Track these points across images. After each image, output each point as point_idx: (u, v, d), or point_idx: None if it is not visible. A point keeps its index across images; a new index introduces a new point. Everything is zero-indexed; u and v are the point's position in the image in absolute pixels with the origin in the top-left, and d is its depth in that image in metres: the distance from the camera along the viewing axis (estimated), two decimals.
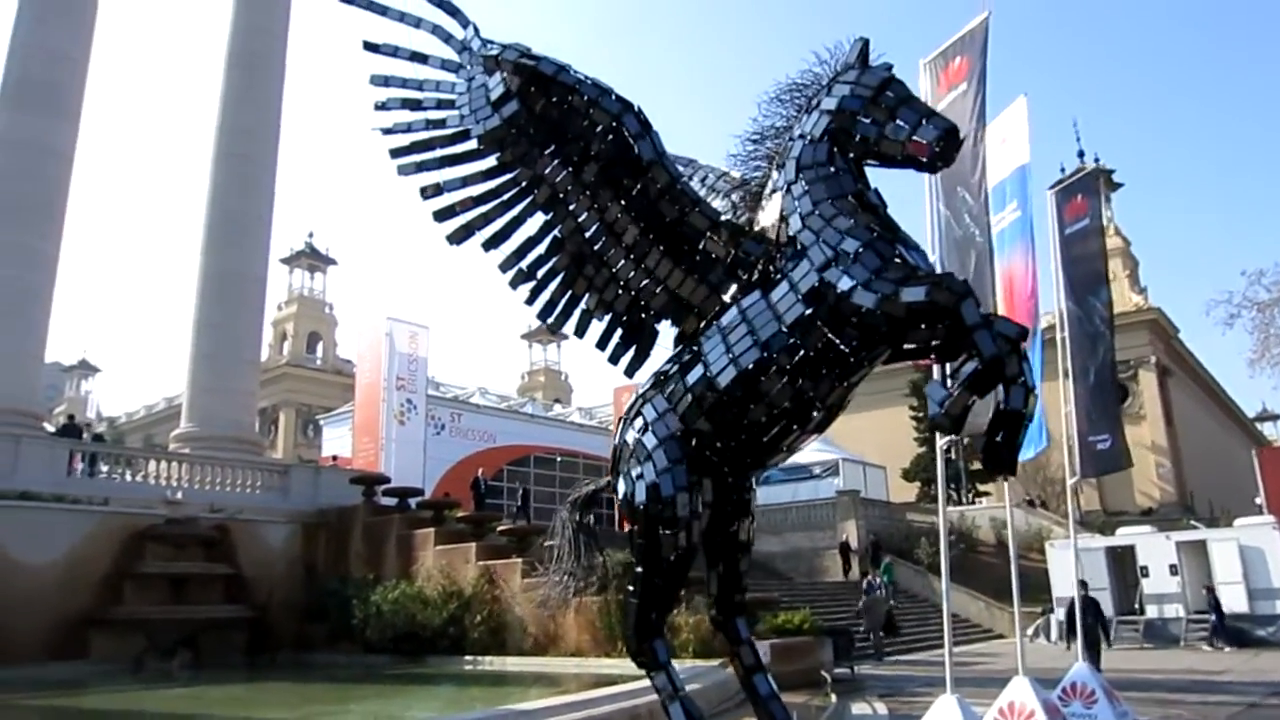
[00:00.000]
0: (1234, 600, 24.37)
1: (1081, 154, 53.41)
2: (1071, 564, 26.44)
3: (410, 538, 20.67)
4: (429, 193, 5.29)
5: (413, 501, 22.76)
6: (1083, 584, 14.18)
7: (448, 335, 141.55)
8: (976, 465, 11.86)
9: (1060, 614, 26.39)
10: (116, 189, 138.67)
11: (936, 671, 18.39)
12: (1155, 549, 26.42)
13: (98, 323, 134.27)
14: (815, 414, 4.74)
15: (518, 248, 5.30)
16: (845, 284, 4.33)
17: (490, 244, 5.28)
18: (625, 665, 15.48)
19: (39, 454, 19.61)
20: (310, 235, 67.71)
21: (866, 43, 4.84)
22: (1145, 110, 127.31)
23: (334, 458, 32.70)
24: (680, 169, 5.42)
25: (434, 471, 31.77)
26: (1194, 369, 59.79)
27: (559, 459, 40.74)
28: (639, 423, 5.01)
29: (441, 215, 5.27)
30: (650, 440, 4.86)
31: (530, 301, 5.32)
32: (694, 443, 4.83)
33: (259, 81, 27.68)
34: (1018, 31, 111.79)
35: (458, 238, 5.25)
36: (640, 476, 4.85)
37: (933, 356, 4.24)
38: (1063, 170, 52.05)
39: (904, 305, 4.13)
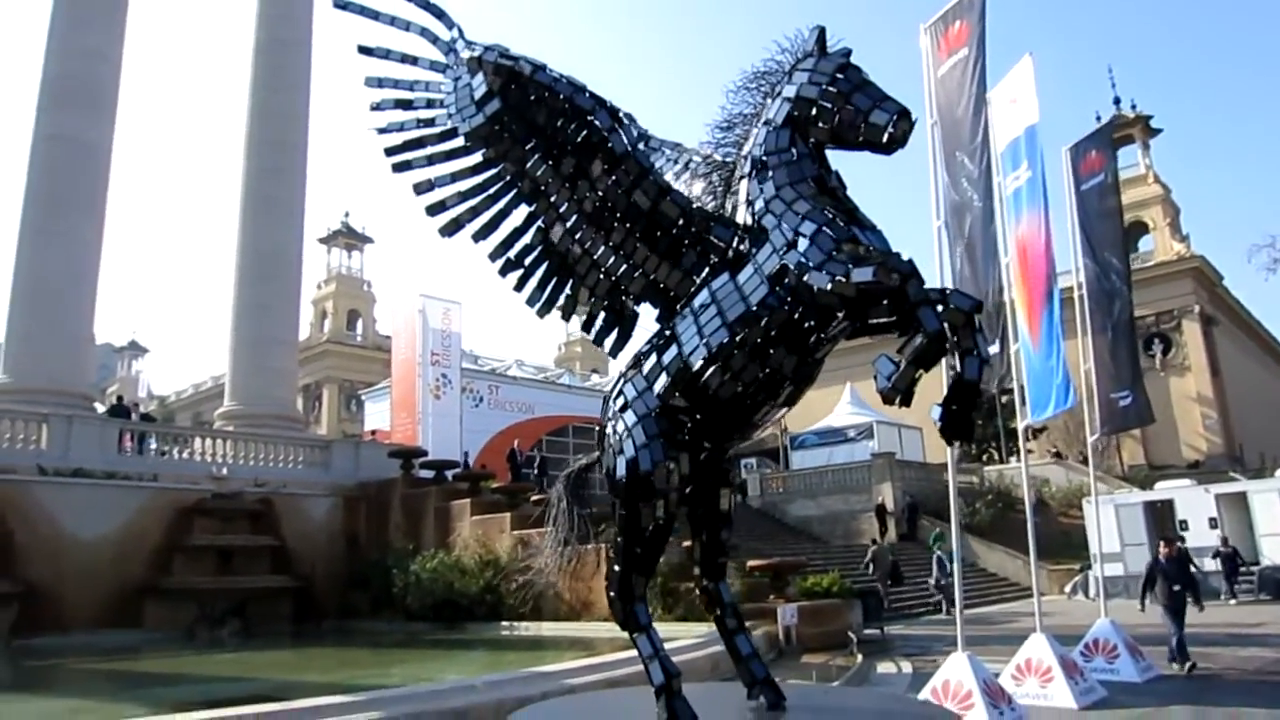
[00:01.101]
0: (1276, 551, 24.08)
1: (1117, 101, 52.06)
2: (1113, 520, 26.49)
3: (447, 509, 21.21)
4: (421, 188, 5.53)
5: (449, 473, 23.26)
6: (1166, 539, 13.83)
7: (484, 308, 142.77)
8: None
9: (1099, 569, 26.34)
10: (161, 176, 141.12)
11: (969, 630, 18.60)
12: (1194, 502, 26.07)
13: (147, 305, 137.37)
14: (785, 388, 4.92)
15: (505, 238, 5.53)
16: (801, 265, 4.50)
17: (479, 235, 5.51)
18: (665, 630, 15.94)
19: (91, 433, 20.34)
20: (346, 214, 68.47)
21: (823, 30, 4.95)
22: (1186, 52, 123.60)
23: (373, 432, 33.39)
24: (668, 153, 5.60)
25: (474, 443, 32.31)
26: (1241, 317, 58.30)
27: (597, 429, 41.08)
28: (620, 401, 5.23)
29: (433, 210, 5.52)
30: (630, 418, 5.09)
31: (519, 288, 5.55)
32: (670, 419, 5.04)
33: (287, 67, 28.15)
34: None
35: (449, 230, 5.51)
36: (620, 452, 5.08)
37: (897, 331, 4.40)
38: (1098, 119, 50.96)
39: (854, 285, 4.27)
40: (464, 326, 32.79)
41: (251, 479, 22.05)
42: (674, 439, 4.99)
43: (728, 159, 5.31)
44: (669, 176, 5.47)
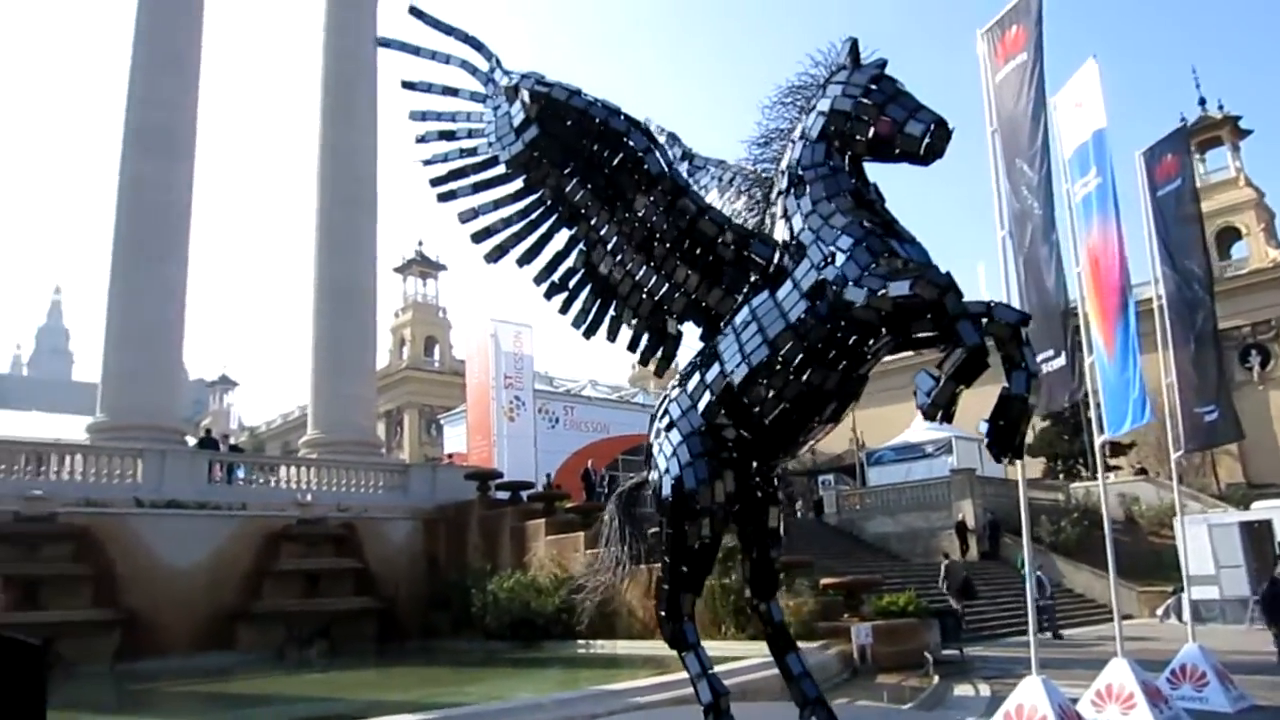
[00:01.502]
0: None
1: (1203, 102, 50.04)
2: (1206, 541, 25.37)
3: (523, 529, 21.54)
4: (465, 216, 5.73)
5: (524, 494, 23.60)
6: None
7: (557, 330, 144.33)
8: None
9: (1194, 593, 25.25)
10: (244, 214, 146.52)
11: (1055, 653, 18.06)
12: None
13: (237, 340, 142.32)
14: (829, 405, 4.95)
15: (548, 262, 5.69)
16: (839, 280, 4.54)
17: (523, 260, 5.69)
18: (730, 647, 15.93)
19: (182, 466, 21.24)
20: (420, 243, 70.08)
21: (855, 42, 4.99)
22: (1275, 50, 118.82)
23: (450, 456, 34.00)
24: (713, 170, 5.72)
25: (550, 464, 32.63)
26: None
27: (645, 447, 41.05)
28: (665, 420, 5.34)
29: (478, 237, 5.71)
30: (675, 436, 5.18)
31: (564, 311, 5.70)
32: (715, 437, 5.12)
33: (354, 102, 29.03)
34: None
35: (494, 256, 5.70)
36: (666, 471, 5.18)
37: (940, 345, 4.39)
38: (1183, 120, 49.22)
39: (890, 300, 4.29)
40: (536, 349, 33.29)
41: (334, 504, 22.69)
42: (719, 457, 5.08)
43: (767, 174, 5.38)
44: (714, 193, 5.57)
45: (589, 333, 5.65)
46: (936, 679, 13.70)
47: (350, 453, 25.57)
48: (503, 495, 23.64)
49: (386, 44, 6.06)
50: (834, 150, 4.96)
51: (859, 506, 35.15)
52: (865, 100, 4.81)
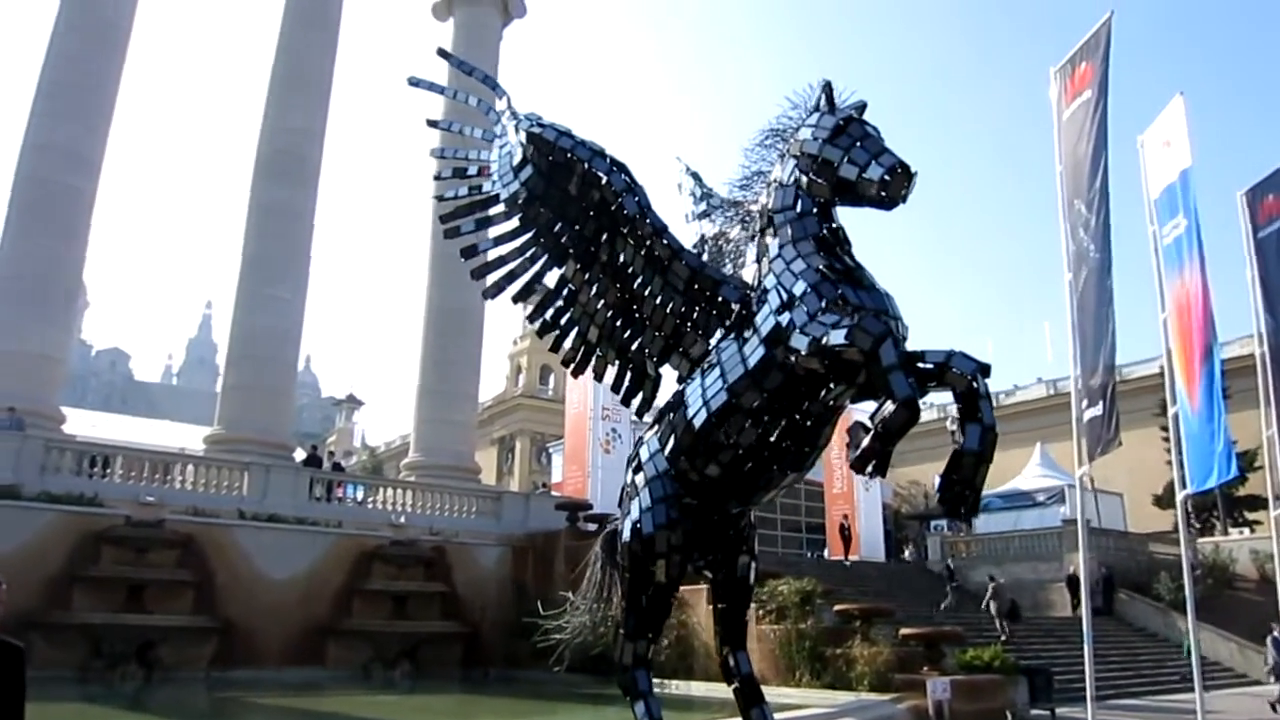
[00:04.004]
0: None
1: None
2: None
3: None
4: (467, 254, 5.85)
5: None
6: None
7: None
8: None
9: None
10: (366, 239, 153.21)
11: (1157, 718, 16.87)
12: None
13: (364, 361, 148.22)
14: (791, 451, 4.81)
15: (540, 300, 5.74)
16: (789, 326, 4.42)
17: (518, 297, 5.76)
18: (806, 695, 15.49)
19: (286, 481, 22.17)
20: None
21: (829, 85, 4.87)
22: None
23: (544, 485, 34.36)
24: (729, 211, 5.66)
25: None
26: None
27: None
28: (635, 463, 5.30)
29: (477, 273, 5.82)
30: (640, 480, 5.15)
31: (555, 348, 5.73)
32: (679, 481, 5.04)
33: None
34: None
35: (491, 293, 5.80)
36: (628, 514, 5.15)
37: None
38: None
39: (829, 349, 4.15)
40: None
41: (427, 527, 23.22)
42: (680, 502, 4.99)
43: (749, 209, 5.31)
44: (735, 231, 5.49)
45: (577, 371, 5.68)
46: None
47: (448, 477, 26.20)
48: (592, 527, 23.71)
49: (416, 84, 6.28)
50: (802, 194, 4.86)
51: (965, 555, 33.75)
52: (831, 143, 4.69)
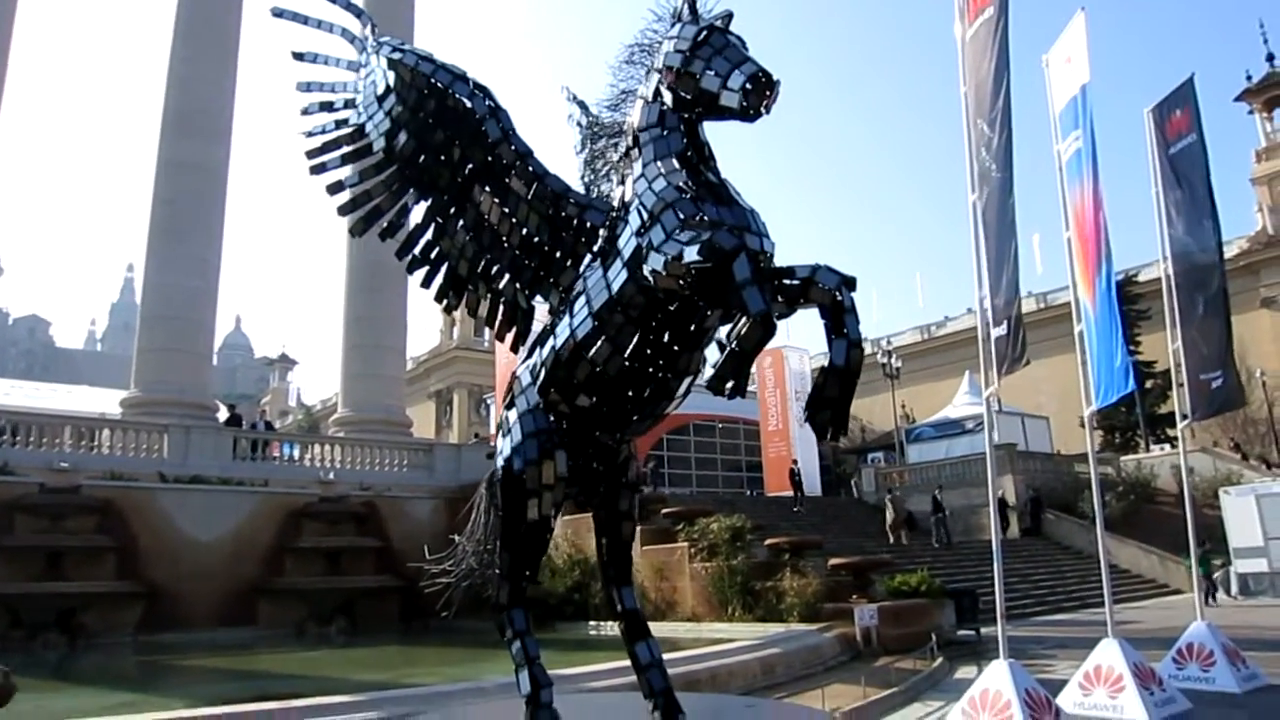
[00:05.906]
0: None
1: (1271, 58, 47.64)
2: (1254, 512, 24.32)
3: None
4: (333, 189, 5.54)
5: None
6: None
7: None
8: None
9: (1240, 565, 24.34)
10: (294, 199, 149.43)
11: (1077, 632, 17.43)
12: None
13: (298, 319, 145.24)
14: (662, 378, 4.67)
15: (409, 235, 5.48)
16: (646, 247, 4.26)
17: (385, 234, 5.50)
18: (735, 629, 15.66)
19: (207, 442, 21.67)
20: None
21: None
22: None
23: (476, 435, 34.12)
24: (614, 137, 5.42)
25: None
26: None
27: (718, 426, 40.74)
28: (509, 397, 5.15)
29: (343, 210, 5.53)
30: (512, 415, 5.00)
31: (426, 284, 5.48)
32: (550, 414, 4.89)
33: None
34: None
35: (358, 230, 5.53)
36: (501, 451, 5.01)
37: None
38: (1248, 79, 46.96)
39: (684, 266, 4.00)
40: None
41: (358, 483, 22.91)
42: (551, 436, 4.85)
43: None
44: (613, 153, 5.26)
45: (451, 306, 5.45)
46: (939, 661, 13.23)
47: (378, 432, 25.81)
48: None
49: (280, 14, 5.89)
50: (667, 110, 4.65)
51: (899, 484, 34.43)
52: (693, 55, 4.47)
